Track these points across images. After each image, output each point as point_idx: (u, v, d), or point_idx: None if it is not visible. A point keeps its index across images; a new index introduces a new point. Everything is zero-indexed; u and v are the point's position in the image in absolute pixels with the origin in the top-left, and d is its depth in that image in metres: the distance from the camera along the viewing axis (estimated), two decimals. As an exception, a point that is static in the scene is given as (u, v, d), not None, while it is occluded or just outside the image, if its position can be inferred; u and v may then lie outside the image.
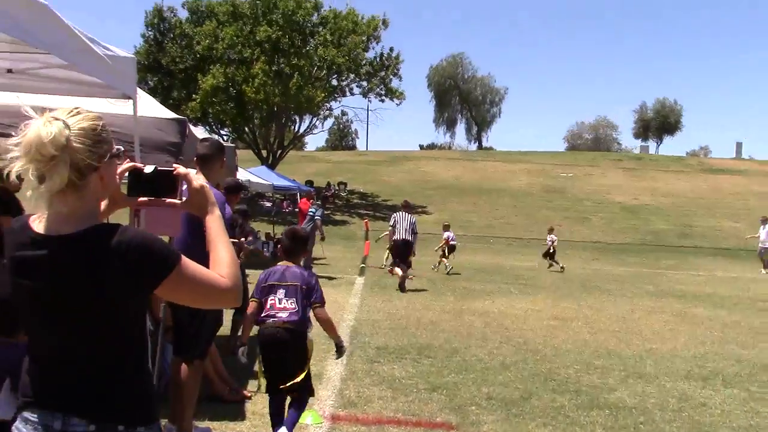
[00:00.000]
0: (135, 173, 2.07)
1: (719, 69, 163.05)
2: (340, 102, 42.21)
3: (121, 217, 2.28)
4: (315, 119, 42.03)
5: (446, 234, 18.90)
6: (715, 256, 28.76)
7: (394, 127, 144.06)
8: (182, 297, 1.98)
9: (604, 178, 47.03)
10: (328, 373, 6.86)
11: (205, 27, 36.18)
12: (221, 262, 2.01)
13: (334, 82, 39.24)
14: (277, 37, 35.06)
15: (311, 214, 15.59)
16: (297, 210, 22.26)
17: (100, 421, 1.84)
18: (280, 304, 4.67)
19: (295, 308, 4.65)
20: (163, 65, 37.77)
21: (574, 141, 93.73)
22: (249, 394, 5.94)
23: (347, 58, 36.57)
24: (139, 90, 5.44)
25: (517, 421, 5.68)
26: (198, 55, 36.38)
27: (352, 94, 40.54)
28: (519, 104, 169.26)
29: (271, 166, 33.76)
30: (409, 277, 14.71)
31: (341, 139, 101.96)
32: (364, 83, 39.40)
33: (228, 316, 7.16)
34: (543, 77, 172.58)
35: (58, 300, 1.82)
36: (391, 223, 14.96)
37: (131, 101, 4.61)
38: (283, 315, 4.64)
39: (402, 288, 13.79)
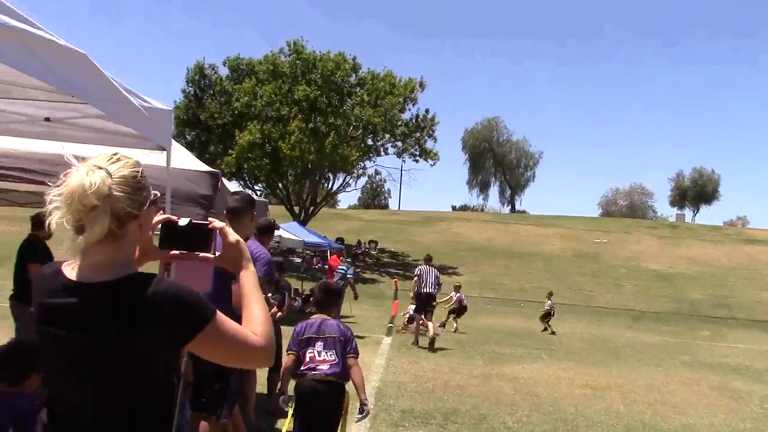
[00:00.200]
0: (169, 225, 2.00)
1: (758, 138, 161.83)
2: (374, 161, 42.57)
3: (149, 270, 2.21)
4: (348, 177, 42.34)
5: (457, 295, 19.24)
6: (753, 328, 27.95)
7: (427, 188, 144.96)
8: (214, 353, 1.88)
9: (638, 245, 46.41)
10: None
11: (244, 84, 36.96)
12: (255, 319, 1.93)
13: (369, 142, 39.60)
14: (315, 96, 35.65)
15: (342, 271, 15.51)
16: (327, 267, 22.22)
17: None
18: (319, 356, 4.67)
19: (335, 360, 4.66)
20: (201, 120, 38.56)
21: (608, 207, 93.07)
22: (269, 454, 5.77)
23: (383, 118, 36.96)
24: (173, 142, 5.46)
25: (547, 495, 5.42)
26: (236, 112, 37.10)
27: (387, 153, 40.85)
28: (553, 168, 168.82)
29: (303, 223, 33.89)
30: (438, 333, 14.83)
31: (374, 197, 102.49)
32: (399, 143, 39.69)
33: (262, 373, 7.06)
34: (578, 142, 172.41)
35: (86, 350, 1.74)
36: (416, 275, 15.33)
37: (165, 152, 4.62)
38: (324, 367, 4.63)
39: (432, 346, 14.01)
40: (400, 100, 37.96)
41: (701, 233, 53.70)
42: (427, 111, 39.44)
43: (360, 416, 4.83)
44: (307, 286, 23.17)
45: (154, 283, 1.76)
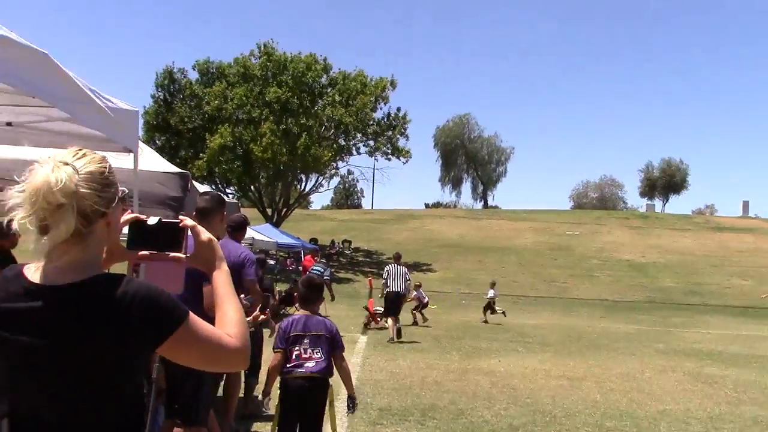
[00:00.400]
0: (137, 225, 1.91)
1: (725, 128, 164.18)
2: (347, 161, 42.52)
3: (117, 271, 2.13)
4: (321, 178, 42.26)
5: (416, 294, 19.10)
6: (724, 314, 28.34)
7: (400, 186, 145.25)
8: (187, 356, 1.79)
9: (610, 236, 46.86)
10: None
11: (214, 88, 36.74)
12: (230, 320, 1.84)
13: (342, 142, 39.54)
14: (286, 98, 35.52)
15: (317, 272, 15.49)
16: (301, 268, 22.14)
17: None
18: (306, 354, 4.74)
19: (321, 357, 4.74)
20: (171, 125, 38.24)
21: (579, 200, 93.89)
22: (246, 459, 5.69)
23: (355, 117, 36.96)
24: (141, 144, 5.36)
25: (526, 487, 5.42)
26: (207, 115, 36.85)
27: (359, 153, 40.86)
28: (525, 163, 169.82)
29: (276, 224, 33.74)
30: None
31: (347, 197, 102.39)
32: (371, 142, 39.70)
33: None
34: (549, 136, 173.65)
35: (51, 357, 1.63)
36: (384, 275, 15.66)
37: (132, 154, 4.53)
38: (311, 365, 4.71)
39: (399, 335, 14.55)
40: (372, 99, 37.98)
41: (671, 222, 54.39)
42: (398, 109, 39.55)
43: (349, 411, 5.02)
44: (282, 288, 23.06)
45: (123, 283, 1.68)
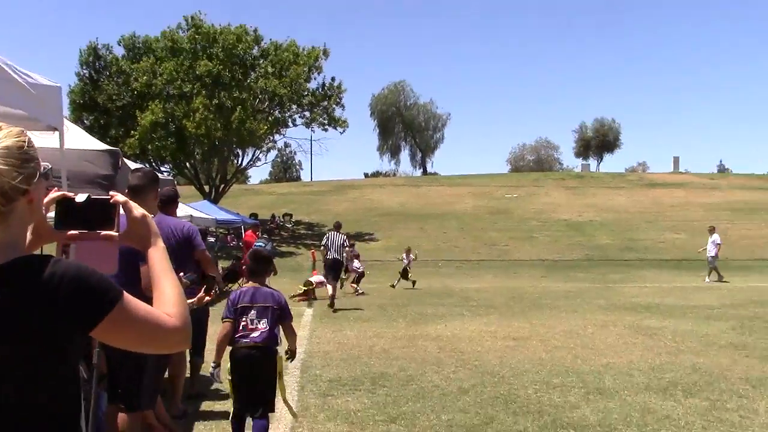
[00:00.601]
0: (65, 203, 1.75)
1: (655, 86, 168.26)
2: (283, 134, 42.03)
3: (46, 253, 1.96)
4: (258, 152, 41.70)
5: (356, 264, 19.47)
6: (660, 267, 29.21)
7: (339, 157, 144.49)
8: (124, 339, 1.66)
9: (547, 198, 47.64)
10: (279, 411, 6.50)
11: (142, 63, 35.69)
12: (168, 299, 1.73)
13: (277, 114, 38.99)
14: (217, 71, 34.74)
15: (259, 246, 15.33)
16: (242, 243, 21.85)
17: None
18: (252, 324, 4.92)
19: (266, 328, 4.92)
20: (99, 103, 37.03)
21: (516, 163, 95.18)
22: (194, 439, 5.57)
23: (289, 89, 36.47)
24: (66, 122, 5.10)
25: (479, 448, 5.44)
26: (135, 92, 35.81)
27: (295, 125, 40.45)
28: (461, 129, 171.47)
29: (214, 201, 33.21)
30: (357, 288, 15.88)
31: (285, 171, 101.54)
32: (307, 113, 39.31)
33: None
34: (484, 101, 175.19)
35: None
36: (323, 243, 16.16)
37: (57, 133, 4.30)
38: (256, 335, 4.91)
39: (332, 305, 14.97)
40: (305, 69, 37.50)
41: (606, 181, 55.59)
42: (333, 79, 39.16)
43: (290, 360, 5.26)
44: (224, 265, 22.75)
45: (50, 265, 1.54)
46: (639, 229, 38.46)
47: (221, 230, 31.53)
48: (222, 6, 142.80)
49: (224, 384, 5.09)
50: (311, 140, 79.50)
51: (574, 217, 41.83)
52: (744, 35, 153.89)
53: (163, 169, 37.86)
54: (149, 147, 34.65)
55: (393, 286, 20.74)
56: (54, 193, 1.74)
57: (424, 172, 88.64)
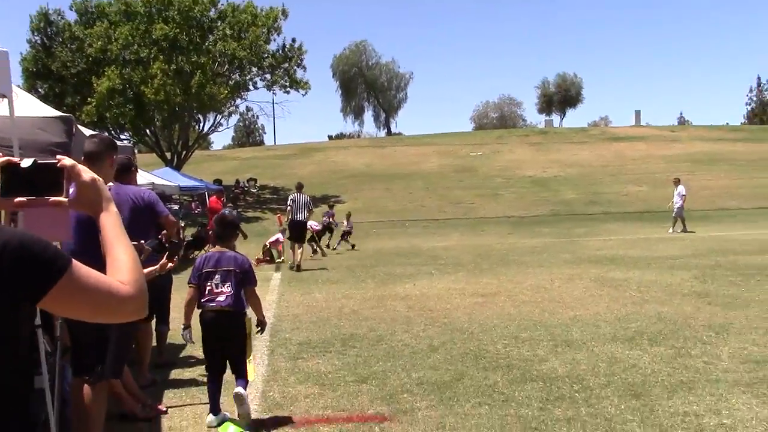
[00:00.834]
0: (10, 169, 1.65)
1: (615, 41, 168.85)
2: (245, 98, 41.44)
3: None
4: (219, 117, 41.10)
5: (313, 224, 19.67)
6: (623, 220, 29.57)
7: (302, 120, 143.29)
8: (74, 310, 1.58)
9: (512, 154, 47.81)
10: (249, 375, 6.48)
11: (96, 28, 34.71)
12: (121, 266, 1.64)
13: (237, 77, 38.37)
14: (174, 35, 33.95)
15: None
16: (207, 210, 21.62)
17: None
18: (217, 288, 5.04)
19: (231, 291, 5.02)
20: (53, 71, 36.02)
21: (480, 120, 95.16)
22: (164, 408, 5.50)
23: (249, 51, 35.87)
24: (15, 88, 4.92)
25: (451, 404, 5.47)
26: (90, 58, 34.87)
27: (256, 88, 39.89)
28: (425, 88, 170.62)
29: (177, 168, 32.74)
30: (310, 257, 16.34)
31: (248, 135, 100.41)
32: (268, 76, 38.75)
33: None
34: (446, 59, 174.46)
35: None
36: (289, 204, 16.40)
37: (6, 100, 4.15)
38: (221, 299, 5.02)
39: (298, 268, 15.23)
40: (264, 30, 36.85)
41: (569, 136, 55.91)
42: (293, 40, 38.54)
43: (260, 331, 5.35)
44: (189, 232, 22.53)
45: None
46: (602, 183, 38.85)
47: (185, 197, 31.17)
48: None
49: (197, 344, 5.27)
50: (273, 103, 78.60)
51: (538, 173, 42.09)
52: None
53: (122, 137, 37.11)
54: (107, 114, 33.90)
55: (334, 248, 20.99)
56: None
57: (389, 132, 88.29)
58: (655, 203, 31.95)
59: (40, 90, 35.74)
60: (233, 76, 38.13)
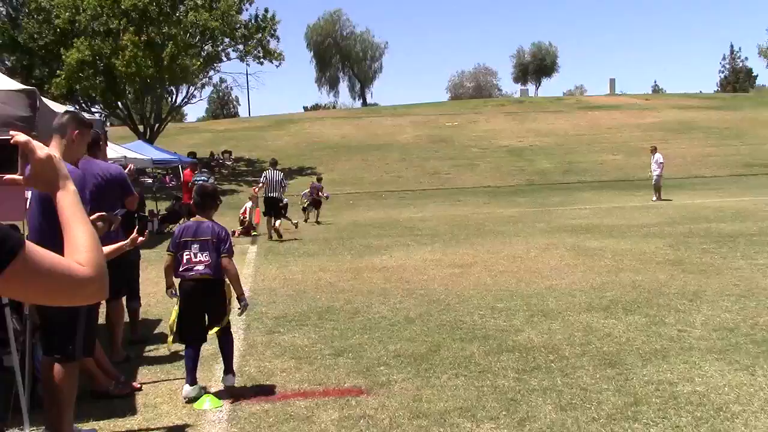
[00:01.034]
0: None
1: (590, 9, 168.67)
2: (218, 70, 40.88)
3: None
4: (192, 89, 40.54)
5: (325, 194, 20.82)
6: (599, 189, 29.75)
7: (277, 90, 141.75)
8: (29, 293, 1.50)
9: (488, 124, 47.78)
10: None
11: (62, -1, 33.85)
12: (79, 246, 1.57)
13: (209, 48, 37.77)
14: (144, 5, 33.20)
15: (202, 180, 15.18)
16: (181, 183, 21.39)
17: None
18: (195, 258, 5.14)
19: (209, 261, 5.13)
20: (20, 43, 35.14)
21: (456, 90, 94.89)
22: (138, 386, 5.45)
23: (220, 21, 35.23)
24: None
25: (428, 376, 5.47)
26: (58, 30, 34.06)
27: (229, 59, 39.30)
28: (400, 58, 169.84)
29: (150, 141, 32.31)
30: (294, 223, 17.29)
31: (222, 107, 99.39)
32: (241, 47, 38.17)
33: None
34: (421, 29, 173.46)
35: None
36: (262, 180, 16.71)
37: (-36, 74, 4.01)
38: (200, 268, 5.13)
39: (279, 234, 16.01)
40: (236, 0, 36.22)
41: (544, 105, 55.98)
42: (266, 10, 37.94)
43: (239, 310, 5.34)
44: (163, 206, 22.32)
45: None
46: (578, 152, 39.01)
47: (159, 171, 30.84)
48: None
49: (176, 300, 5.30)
50: (247, 75, 77.84)
51: (514, 142, 42.13)
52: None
53: (93, 109, 36.49)
54: (77, 87, 33.23)
55: (306, 221, 20.44)
56: None
57: (364, 103, 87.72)
58: (630, 172, 32.22)
59: (7, 63, 34.97)
60: (205, 47, 37.51)
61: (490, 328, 6.94)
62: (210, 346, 5.61)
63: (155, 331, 7.37)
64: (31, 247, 1.45)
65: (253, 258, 13.06)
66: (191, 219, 5.51)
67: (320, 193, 21.31)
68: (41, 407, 4.39)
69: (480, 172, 35.74)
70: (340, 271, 10.98)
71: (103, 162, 5.69)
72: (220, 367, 5.60)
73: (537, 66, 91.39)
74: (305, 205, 20.90)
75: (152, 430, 4.65)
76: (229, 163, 39.06)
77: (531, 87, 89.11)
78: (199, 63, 35.24)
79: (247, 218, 17.86)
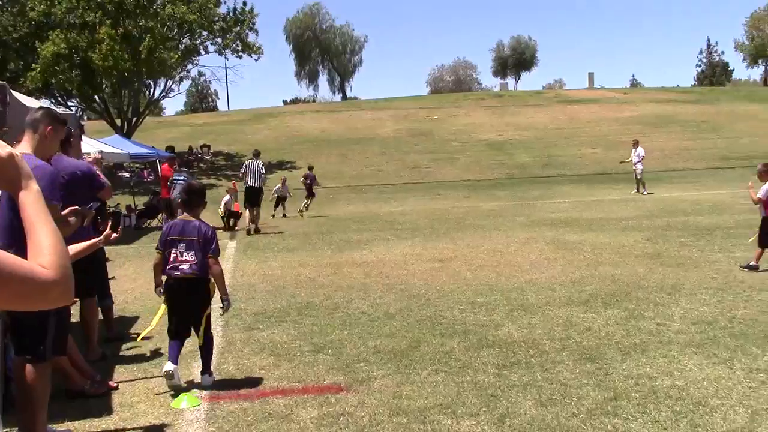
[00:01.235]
0: None
1: (568, 3, 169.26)
2: (196, 63, 40.52)
3: None
4: (170, 82, 40.15)
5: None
6: (578, 182, 29.87)
7: (256, 85, 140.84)
8: None
9: (468, 118, 47.78)
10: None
11: (37, -9, 33.35)
12: (42, 248, 1.50)
13: (187, 42, 37.42)
14: (120, -2, 32.84)
15: (182, 181, 15.14)
16: (159, 178, 21.19)
17: None
18: (181, 257, 5.21)
19: (194, 260, 5.20)
20: (-6, 36, 34.62)
21: (436, 84, 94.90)
22: (115, 384, 5.37)
23: (198, 14, 34.90)
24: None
25: (408, 372, 5.44)
26: (33, 22, 33.57)
27: (207, 52, 38.97)
28: (380, 52, 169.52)
29: (127, 135, 31.99)
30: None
31: (201, 101, 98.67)
32: (219, 40, 37.86)
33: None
34: (400, 23, 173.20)
35: None
36: (242, 170, 16.86)
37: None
38: (185, 267, 5.20)
39: (257, 229, 16.24)
40: (214, -8, 35.91)
41: (524, 99, 56.03)
42: (244, 3, 37.63)
43: (222, 310, 5.45)
44: (141, 201, 22.12)
45: None
46: (557, 146, 39.13)
47: (137, 165, 30.55)
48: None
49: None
50: (226, 68, 77.29)
51: (494, 136, 42.18)
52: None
53: (70, 104, 36.05)
54: (53, 80, 32.81)
55: (272, 216, 20.50)
56: None
57: (344, 97, 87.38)
58: (608, 165, 32.34)
59: (-20, 56, 34.40)
60: (183, 41, 37.16)
61: (470, 323, 6.92)
62: (188, 343, 5.54)
63: (132, 329, 7.28)
64: None
65: (232, 253, 12.96)
66: (179, 217, 5.55)
67: (310, 182, 21.63)
68: (14, 407, 4.31)
69: (460, 166, 35.75)
70: (320, 266, 10.92)
71: (72, 159, 5.60)
72: (198, 365, 5.54)
73: (516, 60, 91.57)
74: (275, 200, 20.88)
75: (129, 430, 4.58)
76: (207, 157, 38.75)
77: (510, 81, 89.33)
78: (177, 56, 34.86)
79: (224, 212, 17.79)
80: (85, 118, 40.97)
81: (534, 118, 46.75)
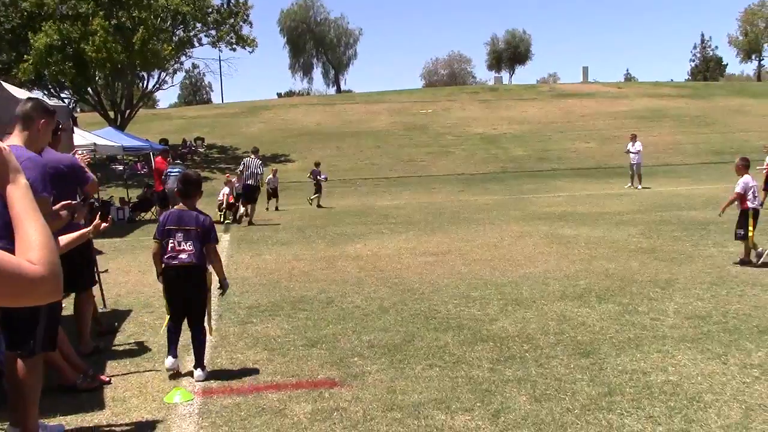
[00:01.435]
0: None
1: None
2: (189, 55, 40.35)
3: None
4: (164, 74, 39.97)
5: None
6: (572, 176, 29.88)
7: (250, 77, 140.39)
8: None
9: (462, 112, 47.73)
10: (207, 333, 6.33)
11: (29, -19, 33.12)
12: (31, 244, 1.49)
13: (181, 33, 37.25)
14: (114, -12, 32.67)
15: (174, 173, 15.09)
16: (153, 170, 21.11)
17: None
18: (179, 246, 5.25)
19: (192, 250, 5.25)
20: (-15, 27, 34.38)
21: (430, 77, 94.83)
22: (107, 379, 5.33)
23: (192, 6, 34.75)
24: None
25: (402, 367, 5.43)
26: (26, 13, 33.36)
27: (201, 44, 38.79)
28: (375, 45, 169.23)
29: (121, 127, 31.84)
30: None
31: (194, 93, 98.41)
32: (213, 32, 37.71)
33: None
34: (395, 16, 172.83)
35: None
36: (240, 168, 17.40)
37: None
38: (183, 256, 5.25)
39: (250, 221, 16.64)
40: (208, -16, 35.80)
41: (518, 93, 55.99)
42: (238, -6, 37.53)
43: (220, 291, 5.52)
44: (135, 194, 22.05)
45: None
46: (551, 140, 39.11)
47: (130, 158, 30.43)
48: None
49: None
50: (220, 60, 77.01)
51: (488, 130, 42.15)
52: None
53: (63, 96, 35.84)
54: (45, 72, 32.62)
55: (277, 209, 20.60)
56: None
57: (338, 90, 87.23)
58: (603, 159, 32.40)
59: (-28, 47, 34.19)
60: (177, 33, 37.01)
61: (465, 317, 6.91)
62: (181, 337, 5.51)
63: (125, 322, 7.25)
64: None
65: (226, 246, 12.91)
66: (175, 207, 5.58)
67: (319, 177, 21.77)
68: (6, 403, 4.28)
69: (454, 160, 35.71)
70: (314, 260, 10.90)
71: (56, 153, 5.53)
72: (191, 359, 5.51)
73: (511, 53, 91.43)
74: (269, 193, 20.90)
75: (121, 424, 4.55)
76: (201, 150, 38.64)
77: (505, 74, 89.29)
78: (170, 48, 34.71)
79: (224, 204, 17.89)
80: (78, 110, 40.81)
81: (528, 112, 46.74)
